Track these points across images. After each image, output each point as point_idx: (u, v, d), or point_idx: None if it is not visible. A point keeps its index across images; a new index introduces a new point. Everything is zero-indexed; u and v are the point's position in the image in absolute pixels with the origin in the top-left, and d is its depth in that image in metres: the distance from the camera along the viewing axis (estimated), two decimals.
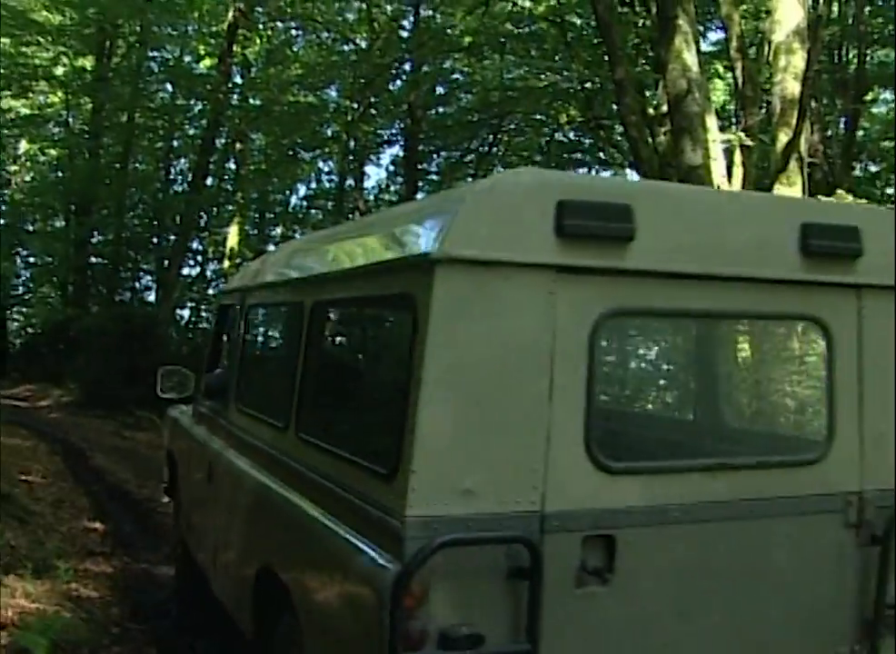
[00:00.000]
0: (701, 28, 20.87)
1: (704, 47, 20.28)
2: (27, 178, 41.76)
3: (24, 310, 41.71)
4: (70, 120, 38.12)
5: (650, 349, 4.82)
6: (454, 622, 3.36)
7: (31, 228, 40.26)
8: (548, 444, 3.55)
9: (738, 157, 16.89)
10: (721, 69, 23.78)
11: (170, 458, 8.40)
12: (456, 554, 3.36)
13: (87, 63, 35.91)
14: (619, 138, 24.62)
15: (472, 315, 3.48)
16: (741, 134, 16.40)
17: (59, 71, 35.87)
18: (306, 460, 4.60)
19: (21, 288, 40.84)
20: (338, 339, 5.49)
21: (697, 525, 3.83)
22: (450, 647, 3.32)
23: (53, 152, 39.84)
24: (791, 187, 13.58)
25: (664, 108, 17.54)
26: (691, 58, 14.06)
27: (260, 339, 6.94)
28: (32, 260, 40.85)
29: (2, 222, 38.35)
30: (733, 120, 21.35)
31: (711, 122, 14.52)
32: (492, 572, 3.43)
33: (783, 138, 13.92)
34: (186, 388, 7.74)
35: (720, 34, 22.91)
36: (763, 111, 18.61)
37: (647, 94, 21.43)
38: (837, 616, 4.11)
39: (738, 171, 16.51)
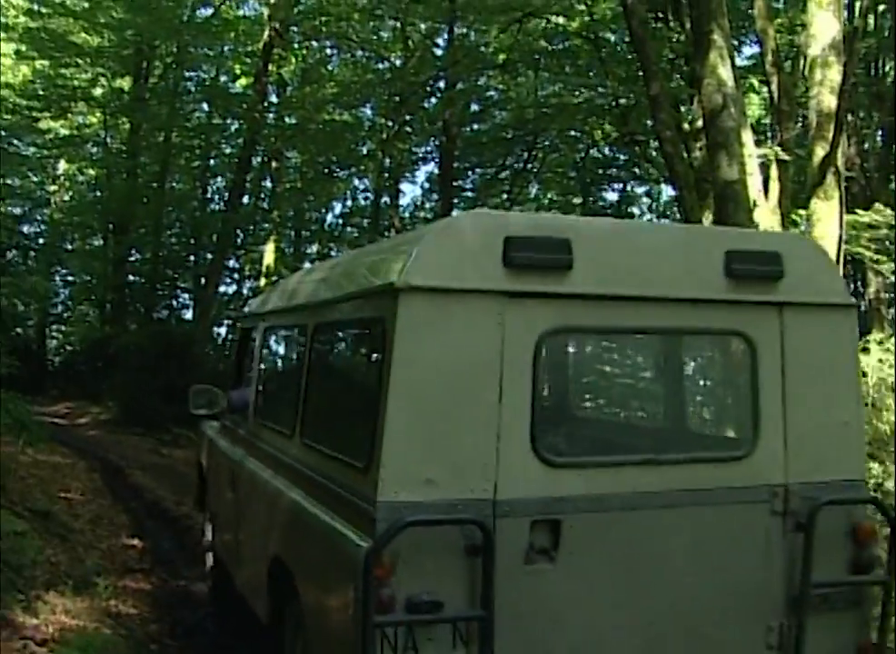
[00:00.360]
0: (736, 43, 20.83)
1: (739, 62, 20.23)
2: (66, 198, 42.20)
3: (62, 328, 42.08)
4: (108, 140, 38.51)
5: (590, 360, 5.57)
6: (418, 591, 4.03)
7: (70, 247, 40.69)
8: (498, 442, 4.23)
9: (774, 172, 16.81)
10: (756, 83, 23.67)
11: (200, 470, 9.23)
12: (420, 533, 4.02)
13: (125, 84, 36.30)
14: (654, 154, 24.54)
15: (432, 334, 4.20)
16: (778, 149, 16.33)
17: (97, 92, 36.28)
18: (308, 461, 5.34)
19: (60, 306, 41.22)
20: (331, 356, 6.21)
21: (633, 512, 4.45)
22: (414, 611, 4.01)
23: (91, 171, 40.29)
24: (828, 201, 13.49)
25: (699, 123, 17.47)
26: (726, 73, 14.00)
27: (274, 358, 7.64)
28: (70, 278, 41.24)
29: (41, 241, 38.80)
30: (769, 134, 21.24)
31: (747, 136, 14.45)
32: (452, 550, 4.11)
33: (820, 152, 13.82)
34: (216, 405, 8.18)
35: (755, 49, 22.93)
36: (799, 125, 18.54)
37: (682, 109, 21.38)
38: (767, 594, 4.69)
39: (774, 186, 16.43)
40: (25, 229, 38.81)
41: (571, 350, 5.35)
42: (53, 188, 41.62)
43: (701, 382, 5.57)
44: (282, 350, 7.53)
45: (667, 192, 30.68)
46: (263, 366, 7.44)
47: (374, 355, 4.65)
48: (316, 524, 4.79)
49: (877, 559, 4.94)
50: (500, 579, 4.11)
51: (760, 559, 4.70)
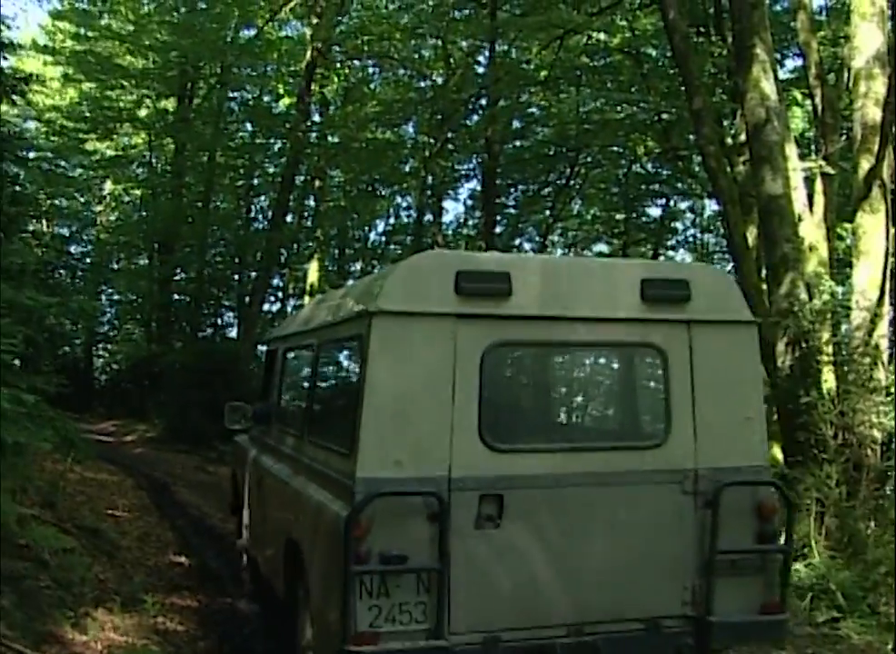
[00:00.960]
0: (779, 56, 20.71)
1: (782, 75, 20.12)
2: (112, 217, 42.65)
3: (109, 346, 42.46)
4: (153, 160, 38.94)
5: (526, 368, 6.71)
6: (389, 547, 5.15)
7: (116, 266, 41.07)
8: (452, 432, 5.37)
9: (819, 186, 16.70)
10: (799, 96, 23.52)
11: (233, 476, 10.78)
12: (391, 503, 5.17)
13: (170, 105, 36.69)
14: (697, 168, 24.45)
15: (398, 348, 5.36)
16: (822, 162, 16.21)
17: (143, 113, 36.70)
18: (312, 455, 6.56)
19: (106, 325, 41.60)
20: (329, 368, 7.25)
21: (562, 489, 5.54)
22: (385, 563, 5.12)
23: (137, 191, 40.71)
24: (874, 214, 13.34)
25: (743, 137, 17.41)
26: (769, 86, 13.93)
27: (291, 373, 8.59)
28: (117, 297, 41.63)
29: (88, 261, 39.17)
30: (813, 148, 21.09)
31: (791, 150, 14.35)
32: (416, 516, 5.22)
33: (865, 165, 13.68)
34: (248, 419, 9.33)
35: (797, 61, 22.77)
36: (844, 138, 18.37)
37: (725, 123, 21.29)
38: (682, 559, 5.74)
39: (819, 199, 16.32)
40: (73, 249, 39.27)
41: (511, 359, 6.36)
42: (99, 208, 42.10)
43: (623, 385, 6.61)
44: (297, 366, 8.38)
45: (710, 207, 30.56)
46: (283, 380, 8.69)
47: (356, 365, 5.84)
48: (315, 503, 5.98)
49: (778, 531, 6.06)
50: (454, 540, 5.27)
51: (675, 530, 5.75)
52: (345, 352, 6.80)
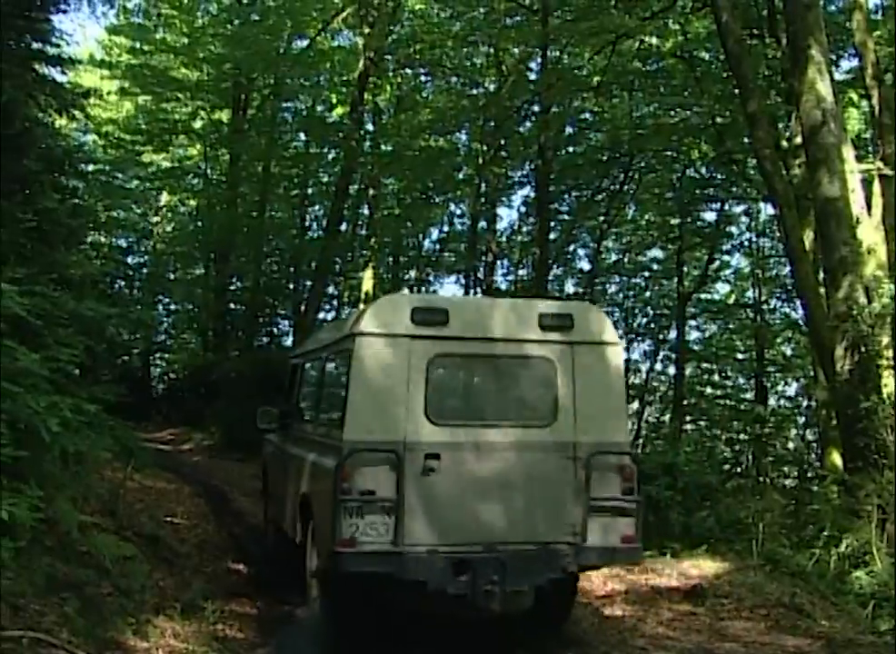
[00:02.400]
0: (834, 57, 20.48)
1: (837, 76, 19.88)
2: (168, 228, 43.08)
3: (166, 356, 42.84)
4: (208, 171, 39.28)
5: (458, 371, 8.90)
6: (363, 485, 7.66)
7: (172, 276, 41.46)
8: (407, 412, 7.92)
9: (877, 187, 16.51)
10: (855, 97, 23.25)
11: (263, 467, 13.37)
12: (366, 457, 7.73)
13: (224, 116, 37.00)
14: (752, 172, 24.24)
15: (373, 357, 7.96)
16: (880, 164, 16.05)
17: (197, 125, 37.08)
18: (318, 432, 9.43)
19: (163, 334, 42.00)
20: (331, 371, 9.77)
21: (480, 451, 8.08)
22: (361, 495, 7.67)
23: (192, 202, 41.15)
24: None
25: (798, 140, 17.23)
26: (825, 88, 13.81)
27: (308, 378, 11.09)
28: (173, 307, 42.04)
29: (145, 271, 39.59)
30: (870, 149, 20.82)
31: (848, 152, 14.22)
32: (381, 466, 7.74)
33: None
34: (275, 421, 11.60)
35: (853, 62, 22.48)
36: None
37: (780, 126, 21.10)
38: (568, 504, 8.18)
39: (877, 201, 16.14)
40: (130, 260, 39.72)
41: (447, 365, 8.52)
42: (155, 219, 42.57)
43: (525, 383, 8.66)
44: (310, 374, 10.99)
45: (766, 210, 30.21)
46: (301, 386, 11.38)
47: (345, 368, 8.33)
48: (319, 464, 8.66)
49: (636, 487, 8.38)
50: (407, 482, 7.77)
51: (561, 483, 8.22)
52: (340, 360, 9.09)
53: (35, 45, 10.76)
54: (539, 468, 8.17)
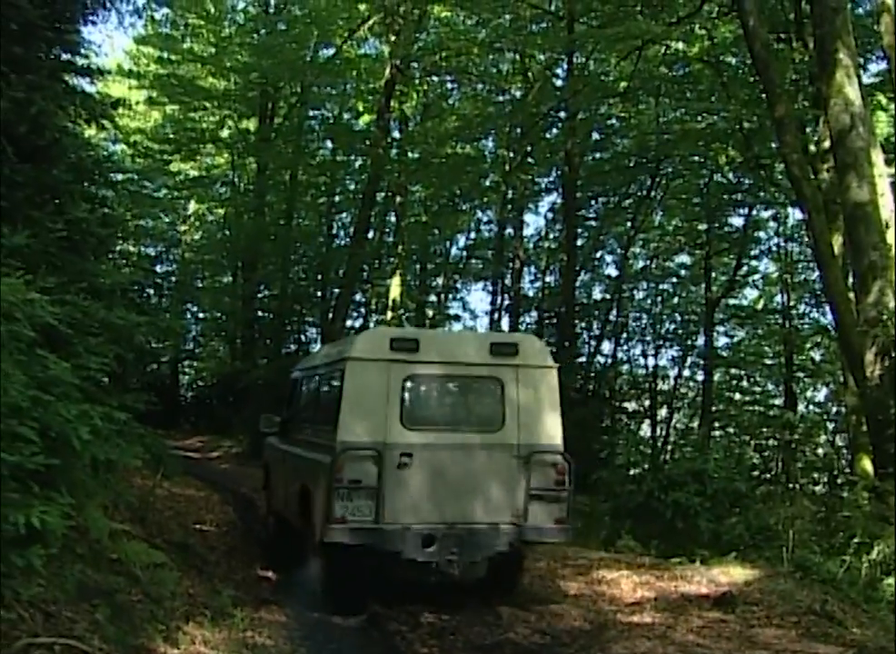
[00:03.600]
0: (862, 60, 20.36)
1: (865, 79, 19.78)
2: (196, 237, 43.30)
3: (194, 363, 43.03)
4: (236, 180, 39.50)
5: (428, 388, 10.56)
6: (352, 476, 9.47)
7: (200, 284, 41.65)
8: (386, 420, 9.74)
9: None
10: (884, 100, 23.14)
11: (265, 465, 14.89)
12: (355, 454, 9.58)
13: (251, 124, 37.18)
14: (780, 177, 24.14)
15: (360, 376, 9.88)
16: None
17: (225, 133, 37.28)
18: (316, 435, 11.08)
19: (191, 342, 42.18)
20: (326, 385, 11.54)
21: (445, 451, 9.92)
22: (350, 483, 9.48)
23: (220, 211, 41.34)
24: None
25: (826, 144, 17.17)
26: (853, 92, 13.75)
27: (306, 391, 12.97)
28: (202, 315, 42.22)
29: (174, 279, 39.78)
30: None
31: (877, 156, 14.15)
32: (366, 461, 9.57)
33: None
34: (275, 426, 13.48)
35: (881, 65, 22.35)
36: None
37: (807, 130, 21.01)
38: (514, 492, 10.02)
39: None
40: (159, 268, 39.92)
41: (418, 383, 10.35)
42: (183, 228, 42.81)
43: (480, 397, 10.64)
44: (310, 386, 12.72)
45: (794, 215, 30.05)
46: (300, 397, 13.23)
47: (339, 384, 10.23)
48: (318, 460, 10.34)
49: (567, 479, 10.19)
50: (386, 474, 9.63)
51: (508, 476, 10.10)
52: (334, 378, 10.85)
53: (65, 57, 10.87)
54: (490, 463, 10.14)
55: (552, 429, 10.35)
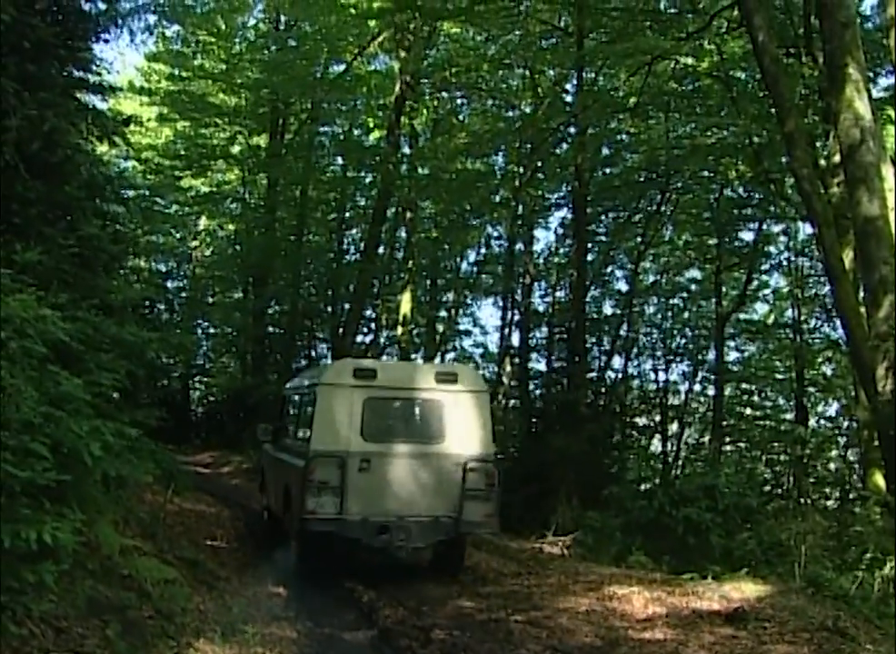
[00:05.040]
0: (871, 74, 20.35)
1: (875, 93, 19.74)
2: (207, 252, 43.38)
3: (205, 379, 43.04)
4: (246, 196, 39.63)
5: (384, 408, 12.65)
6: (321, 478, 11.78)
7: (211, 300, 41.72)
8: (350, 433, 12.04)
9: None
10: (893, 115, 23.11)
11: (261, 468, 17.19)
12: (324, 460, 11.88)
13: (262, 140, 37.35)
14: (790, 191, 24.11)
15: (329, 398, 12.31)
16: None
17: (236, 149, 37.46)
18: (296, 444, 13.50)
19: (202, 358, 42.21)
20: (304, 404, 13.80)
21: (397, 458, 12.18)
22: (319, 483, 11.76)
23: (231, 226, 41.45)
24: None
25: (837, 159, 17.15)
26: (863, 106, 13.75)
27: (292, 407, 15.25)
28: (212, 331, 42.25)
29: (184, 295, 39.86)
30: None
31: (887, 170, 14.13)
32: (333, 465, 11.83)
33: None
34: (270, 435, 15.66)
35: (891, 79, 22.32)
36: None
37: (818, 145, 21.00)
38: (452, 494, 12.13)
39: None
40: (170, 284, 40.01)
41: (376, 404, 12.37)
42: (194, 244, 42.86)
43: (426, 416, 12.75)
44: (294, 403, 15.14)
45: (805, 230, 30.00)
46: (288, 412, 15.50)
47: (313, 404, 12.53)
48: (296, 464, 12.49)
49: (495, 482, 12.28)
50: (348, 476, 11.78)
51: (449, 479, 12.11)
52: (310, 399, 13.11)
53: (77, 74, 10.93)
54: (433, 469, 12.26)
55: (484, 441, 12.50)
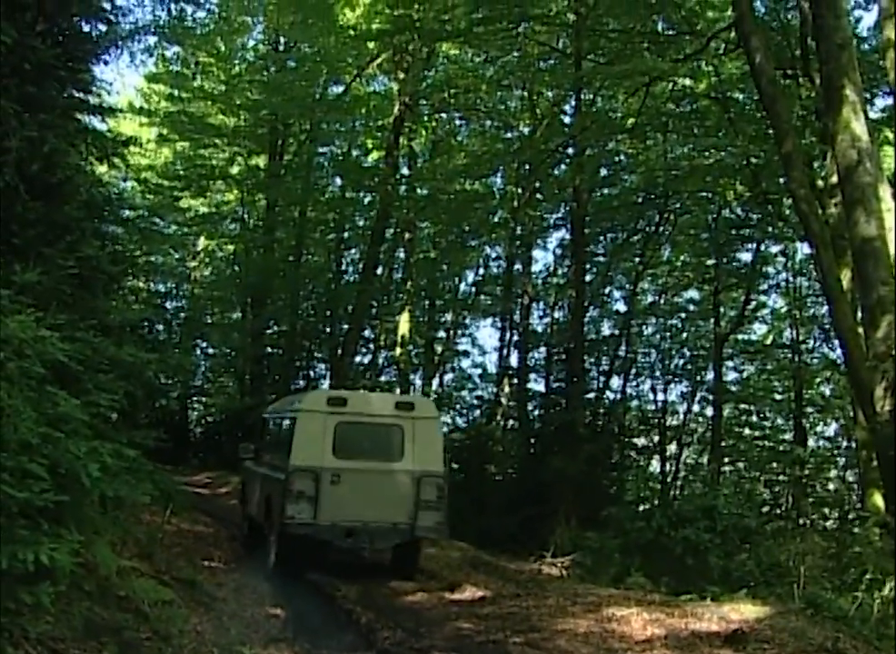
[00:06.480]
0: (868, 95, 20.42)
1: (872, 114, 19.79)
2: (206, 273, 43.41)
3: (203, 399, 42.99)
4: (245, 216, 39.69)
5: (353, 431, 13.82)
6: (299, 487, 13.28)
7: (210, 320, 41.69)
8: (323, 451, 13.57)
9: None
10: (890, 136, 23.20)
11: (242, 481, 18.25)
12: (301, 473, 13.36)
13: (261, 161, 37.44)
14: (788, 212, 24.18)
15: (307, 422, 13.83)
16: None
17: (235, 170, 37.54)
18: (276, 459, 14.67)
19: (201, 378, 42.17)
20: (285, 426, 15.15)
21: (363, 473, 13.62)
22: (297, 492, 13.24)
23: (229, 247, 41.51)
24: None
25: (834, 180, 17.19)
26: (860, 127, 13.79)
27: (272, 428, 16.63)
28: (211, 351, 42.23)
29: (183, 315, 39.84)
30: None
31: (885, 191, 14.15)
32: (309, 478, 13.34)
33: None
34: (251, 453, 16.90)
35: (888, 100, 22.39)
36: None
37: (815, 165, 21.06)
38: (408, 504, 13.62)
39: None
40: (169, 304, 39.98)
41: (346, 428, 13.74)
42: (193, 264, 42.89)
43: (388, 438, 13.95)
44: (275, 425, 16.42)
45: (803, 250, 30.13)
46: (268, 433, 16.92)
47: (292, 427, 14.07)
48: (277, 477, 13.91)
49: (444, 495, 13.73)
50: (322, 487, 13.27)
51: (406, 492, 13.62)
52: (290, 422, 14.54)
53: (77, 95, 10.96)
54: (393, 482, 13.79)
55: (435, 460, 14.22)
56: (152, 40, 25.95)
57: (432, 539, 15.20)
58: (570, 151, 27.91)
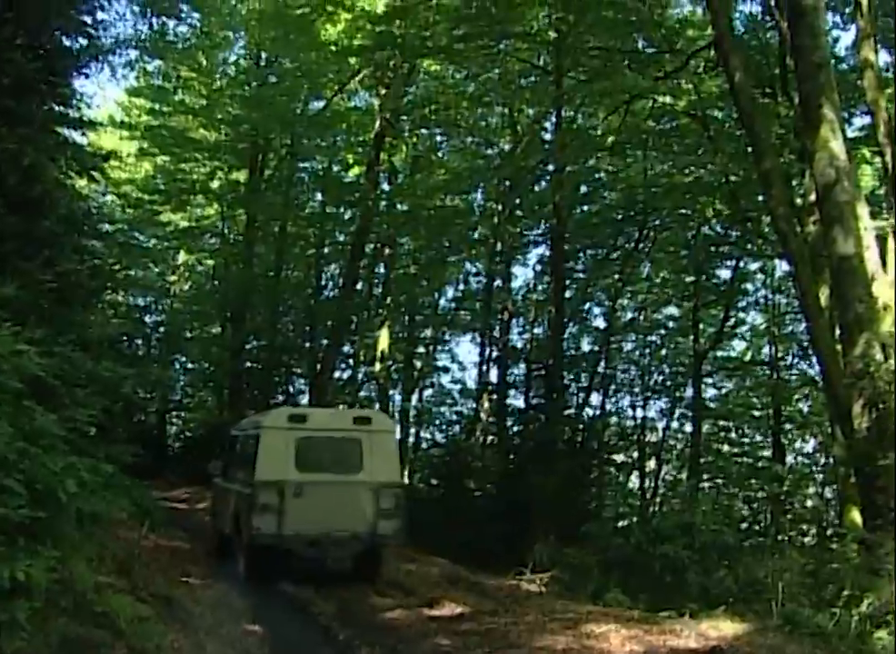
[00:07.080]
0: (846, 114, 20.55)
1: (850, 133, 19.92)
2: (185, 287, 43.30)
3: (182, 414, 42.84)
4: (225, 231, 39.67)
5: (314, 445, 14.62)
6: (264, 501, 13.98)
7: (189, 335, 41.55)
8: (286, 465, 14.29)
9: (892, 244, 16.54)
10: (868, 154, 23.35)
11: (213, 497, 18.77)
12: (267, 486, 14.08)
13: (241, 176, 37.41)
14: (767, 230, 24.27)
15: (271, 438, 14.62)
16: (894, 221, 16.05)
17: (215, 185, 37.47)
18: (242, 475, 15.34)
19: (179, 393, 42.03)
20: (250, 443, 15.42)
21: (324, 485, 14.33)
22: (262, 505, 13.97)
23: (209, 261, 41.51)
24: None
25: (812, 198, 17.29)
26: (838, 146, 13.88)
27: (238, 446, 16.74)
28: (190, 366, 42.10)
29: (162, 330, 39.71)
30: (884, 206, 20.84)
31: (862, 209, 14.25)
32: (273, 491, 14.01)
33: None
34: (219, 469, 17.42)
35: (865, 119, 22.55)
36: None
37: (793, 184, 21.17)
38: (368, 513, 14.43)
39: (892, 258, 16.15)
40: (147, 318, 39.82)
41: (307, 442, 14.46)
42: (172, 278, 42.80)
43: (347, 451, 14.63)
44: (241, 444, 16.50)
45: (781, 267, 30.22)
46: (235, 449, 16.88)
47: (256, 442, 14.78)
48: (244, 492, 14.73)
49: (402, 504, 14.76)
50: (286, 499, 13.96)
51: (366, 502, 14.39)
52: (254, 439, 15.02)
53: (57, 109, 10.95)
54: (353, 493, 14.46)
55: (393, 471, 15.08)
56: (133, 54, 26.04)
57: (391, 545, 15.82)
58: (550, 168, 28.01)
